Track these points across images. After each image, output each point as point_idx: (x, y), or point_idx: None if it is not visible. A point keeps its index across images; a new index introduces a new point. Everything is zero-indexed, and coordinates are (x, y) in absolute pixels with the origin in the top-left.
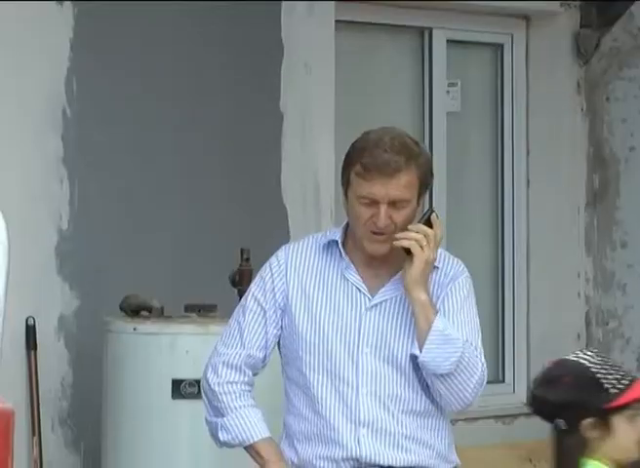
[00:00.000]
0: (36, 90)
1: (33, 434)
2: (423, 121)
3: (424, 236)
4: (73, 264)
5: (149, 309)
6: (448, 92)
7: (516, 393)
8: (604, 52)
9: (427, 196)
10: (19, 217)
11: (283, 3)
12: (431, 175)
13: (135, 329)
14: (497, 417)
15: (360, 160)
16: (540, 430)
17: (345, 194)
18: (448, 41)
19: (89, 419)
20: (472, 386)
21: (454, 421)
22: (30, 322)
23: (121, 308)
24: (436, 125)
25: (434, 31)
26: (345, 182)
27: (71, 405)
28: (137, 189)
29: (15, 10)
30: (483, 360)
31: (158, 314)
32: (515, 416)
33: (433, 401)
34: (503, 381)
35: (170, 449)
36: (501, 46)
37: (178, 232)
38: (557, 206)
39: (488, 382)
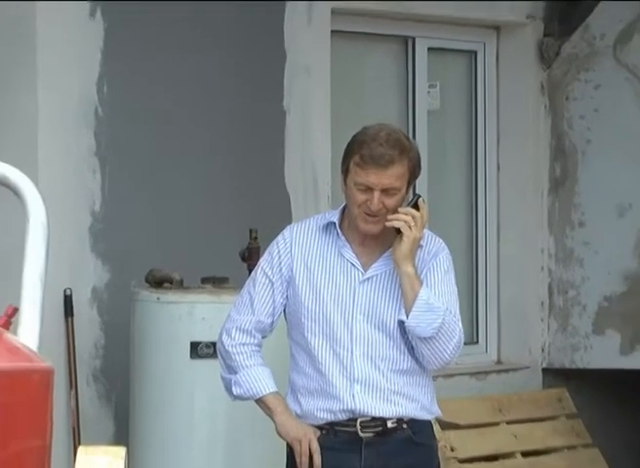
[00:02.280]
0: (73, 92)
1: (71, 388)
2: (407, 118)
3: (412, 218)
4: (104, 243)
5: (171, 281)
6: (429, 92)
7: (488, 353)
8: (564, 58)
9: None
10: (58, 202)
11: (285, 15)
12: (419, 167)
13: (158, 298)
14: (471, 374)
15: (359, 152)
16: (508, 385)
17: (344, 180)
18: (428, 48)
19: (118, 376)
20: (451, 348)
21: (434, 377)
22: (68, 292)
23: (146, 280)
24: (419, 121)
25: (417, 40)
26: (345, 170)
27: (103, 363)
28: (159, 178)
29: (55, 22)
30: (460, 326)
31: (178, 285)
32: (487, 373)
33: (417, 361)
34: (477, 343)
35: (188, 402)
36: (475, 53)
37: (195, 215)
38: (523, 190)
39: (463, 344)
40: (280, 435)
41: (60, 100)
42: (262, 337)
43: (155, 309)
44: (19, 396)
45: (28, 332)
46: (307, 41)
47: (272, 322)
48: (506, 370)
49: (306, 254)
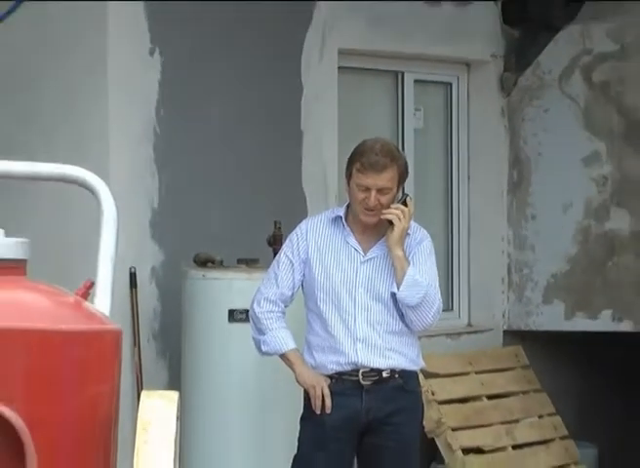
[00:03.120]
0: (137, 115)
1: (134, 345)
2: (398, 134)
3: (402, 212)
4: (160, 232)
5: (213, 261)
6: (415, 114)
7: (461, 318)
8: (520, 88)
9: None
10: (125, 201)
11: (302, 54)
12: (407, 172)
13: (203, 275)
14: (447, 335)
15: (360, 160)
16: (476, 344)
17: (348, 183)
18: (414, 80)
19: (172, 336)
20: (432, 314)
21: (419, 338)
22: (132, 270)
23: (194, 261)
24: (407, 137)
25: (405, 74)
26: (349, 175)
27: (160, 326)
28: (203, 181)
29: (123, 60)
30: (439, 297)
31: (219, 265)
32: (460, 334)
33: (406, 324)
34: (452, 310)
35: (226, 357)
36: (451, 84)
37: (232, 210)
38: (488, 192)
39: (441, 311)
40: (299, 383)
41: (127, 121)
42: (285, 306)
43: (201, 284)
44: (94, 351)
45: (102, 301)
46: (319, 75)
47: (292, 294)
48: (475, 332)
49: (319, 241)
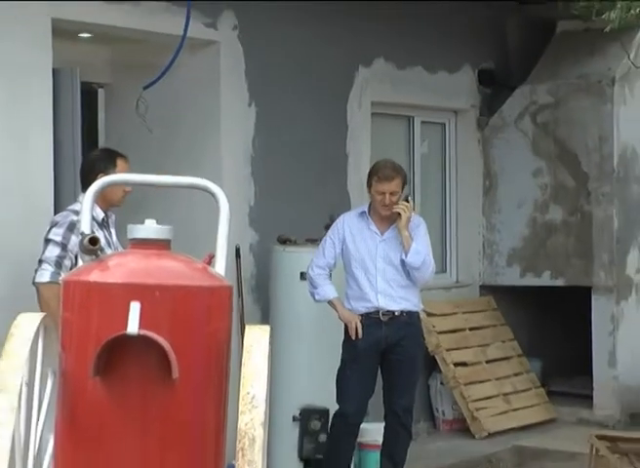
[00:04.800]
0: (239, 145)
1: (239, 296)
2: (409, 157)
3: (406, 206)
4: (255, 221)
5: (290, 240)
6: (421, 144)
7: (451, 277)
8: (490, 126)
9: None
10: (233, 201)
11: (347, 103)
12: (406, 180)
13: (283, 249)
14: (442, 288)
15: (377, 174)
16: (462, 294)
17: (369, 190)
18: (421, 122)
19: (263, 290)
20: (428, 273)
21: (424, 290)
22: (237, 246)
23: (277, 240)
24: (416, 159)
25: (415, 118)
26: (369, 184)
27: (255, 283)
28: (284, 186)
29: (230, 108)
30: (433, 262)
31: (293, 243)
32: (450, 288)
33: (411, 280)
34: (445, 272)
35: (298, 302)
36: (445, 124)
37: (302, 206)
38: (470, 194)
39: (437, 272)
40: (340, 319)
41: (233, 149)
42: (330, 270)
43: (282, 255)
44: (215, 299)
45: (219, 267)
46: (358, 118)
47: (334, 262)
48: (461, 286)
49: (352, 228)
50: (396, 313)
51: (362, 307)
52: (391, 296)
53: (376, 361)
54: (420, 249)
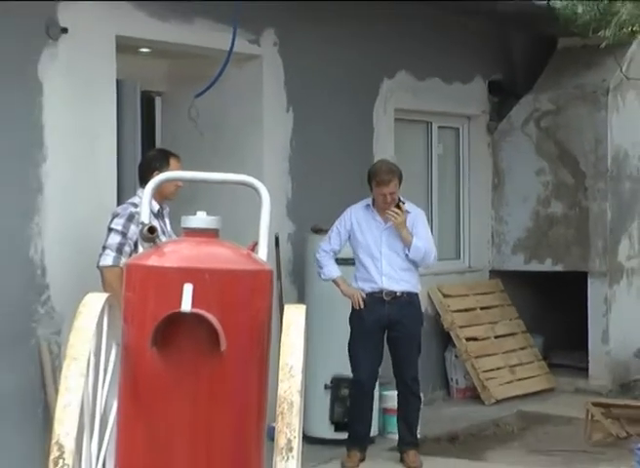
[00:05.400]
0: (279, 144)
1: (278, 279)
2: (428, 157)
3: (396, 213)
4: (292, 212)
5: (322, 230)
6: (438, 146)
7: (465, 262)
8: (499, 131)
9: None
10: (273, 195)
11: (374, 109)
12: (402, 179)
13: (317, 238)
14: (457, 273)
15: (375, 178)
16: (474, 278)
17: (371, 189)
18: (438, 126)
19: (299, 273)
20: (431, 260)
21: (438, 274)
22: (277, 235)
23: (311, 229)
24: (433, 159)
25: (433, 123)
26: (370, 186)
27: (292, 268)
28: (317, 182)
29: (271, 114)
30: (434, 249)
31: (326, 232)
32: (464, 272)
33: (413, 265)
34: (459, 258)
35: (327, 282)
36: (459, 128)
37: (332, 200)
38: (481, 190)
39: (451, 258)
40: (345, 294)
41: (273, 149)
42: (334, 254)
43: (316, 243)
44: (258, 282)
45: (262, 253)
46: (383, 123)
47: (339, 249)
48: (472, 271)
49: (359, 219)
50: (398, 294)
51: (368, 287)
52: (394, 278)
53: (380, 334)
54: (420, 245)
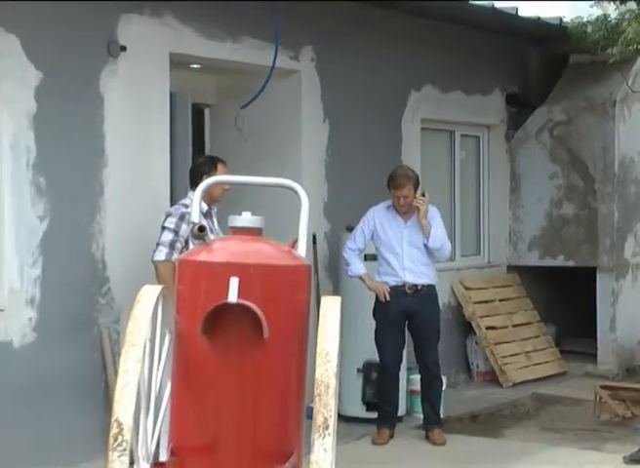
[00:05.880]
0: (315, 153)
1: (315, 273)
2: (451, 162)
3: (422, 201)
4: (328, 213)
5: (354, 228)
6: (461, 152)
7: (484, 258)
8: (516, 139)
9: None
10: (311, 198)
11: (402, 120)
12: (419, 182)
13: (348, 230)
14: (477, 268)
15: (392, 183)
16: (493, 272)
17: (390, 192)
18: (461, 135)
19: (334, 268)
20: (447, 252)
21: (459, 269)
22: (314, 233)
23: (346, 228)
24: (456, 164)
25: (455, 131)
26: (389, 189)
27: (328, 263)
28: (350, 185)
29: (309, 126)
30: (449, 243)
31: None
32: (483, 267)
33: (430, 259)
34: (479, 254)
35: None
36: (479, 136)
37: (363, 202)
38: (500, 192)
39: (472, 254)
40: (370, 289)
41: (311, 156)
42: (359, 252)
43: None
44: (298, 276)
45: (301, 250)
46: (411, 131)
47: (364, 247)
48: (492, 266)
49: (381, 218)
50: (419, 287)
51: (391, 280)
52: (415, 272)
53: (402, 322)
54: (439, 233)
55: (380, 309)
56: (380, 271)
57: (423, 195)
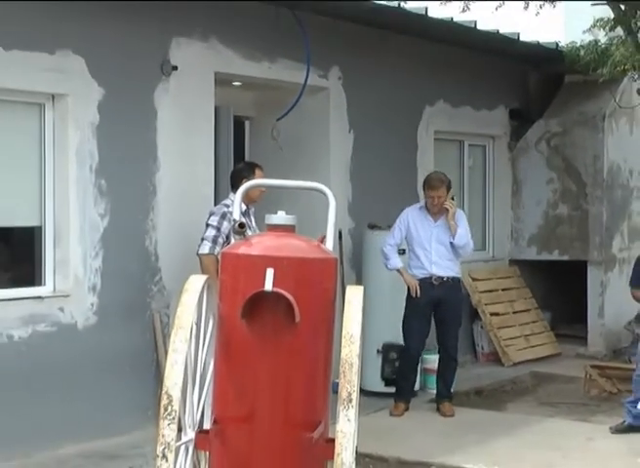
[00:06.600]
0: (342, 159)
1: (340, 264)
2: (460, 169)
3: (451, 204)
4: (353, 212)
5: (376, 226)
6: (469, 160)
7: (489, 253)
8: (517, 149)
9: (461, 192)
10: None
11: (418, 130)
12: (450, 186)
13: (372, 233)
14: (483, 261)
15: (428, 184)
16: (496, 265)
17: (424, 193)
18: (469, 145)
19: (357, 261)
20: (470, 249)
21: (469, 263)
22: (340, 230)
23: (368, 226)
24: (465, 170)
25: (465, 141)
26: (424, 190)
27: (352, 256)
28: (373, 187)
29: (337, 135)
30: (472, 242)
31: (379, 228)
32: (488, 261)
33: (455, 255)
34: (485, 249)
35: (382, 269)
36: (485, 146)
37: (386, 203)
38: (503, 195)
39: (477, 249)
40: (405, 282)
41: (338, 162)
42: (398, 247)
43: (371, 237)
44: (326, 267)
45: (329, 245)
46: (425, 142)
47: (400, 242)
48: (495, 260)
49: (414, 218)
50: (444, 279)
51: (420, 273)
52: (441, 266)
53: (429, 312)
54: (464, 233)
55: (411, 299)
56: (411, 265)
57: (453, 199)
